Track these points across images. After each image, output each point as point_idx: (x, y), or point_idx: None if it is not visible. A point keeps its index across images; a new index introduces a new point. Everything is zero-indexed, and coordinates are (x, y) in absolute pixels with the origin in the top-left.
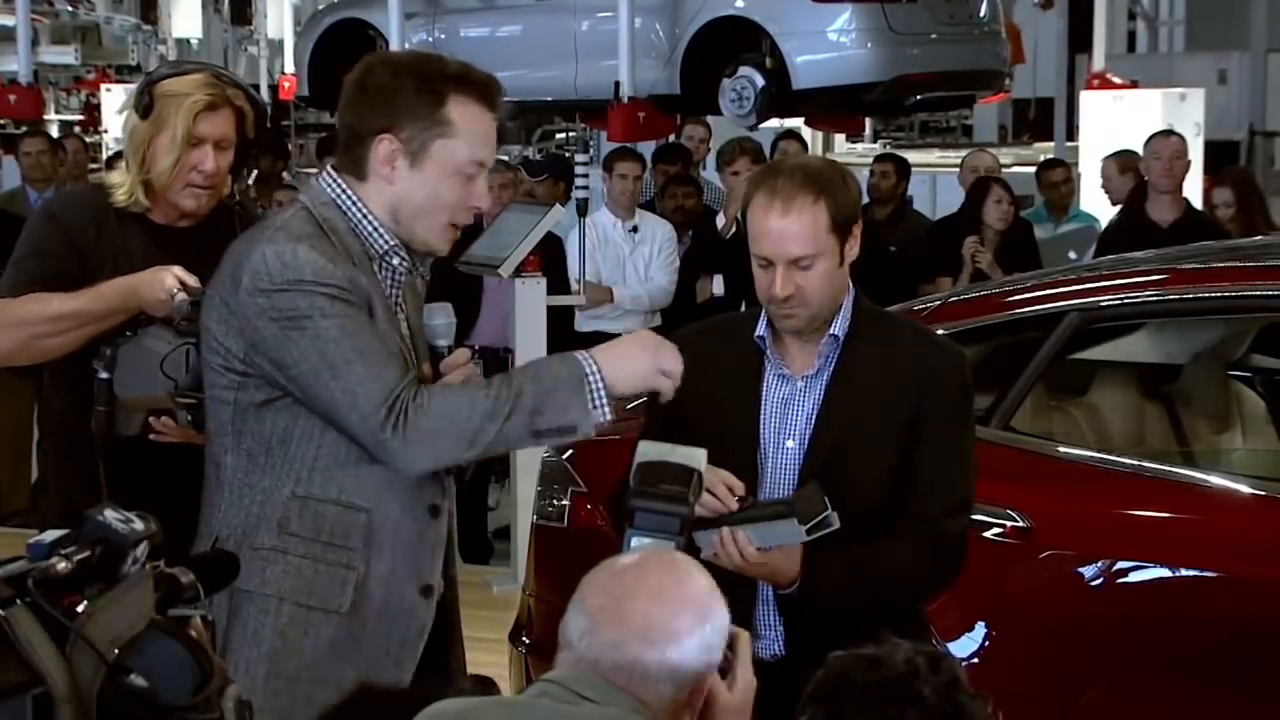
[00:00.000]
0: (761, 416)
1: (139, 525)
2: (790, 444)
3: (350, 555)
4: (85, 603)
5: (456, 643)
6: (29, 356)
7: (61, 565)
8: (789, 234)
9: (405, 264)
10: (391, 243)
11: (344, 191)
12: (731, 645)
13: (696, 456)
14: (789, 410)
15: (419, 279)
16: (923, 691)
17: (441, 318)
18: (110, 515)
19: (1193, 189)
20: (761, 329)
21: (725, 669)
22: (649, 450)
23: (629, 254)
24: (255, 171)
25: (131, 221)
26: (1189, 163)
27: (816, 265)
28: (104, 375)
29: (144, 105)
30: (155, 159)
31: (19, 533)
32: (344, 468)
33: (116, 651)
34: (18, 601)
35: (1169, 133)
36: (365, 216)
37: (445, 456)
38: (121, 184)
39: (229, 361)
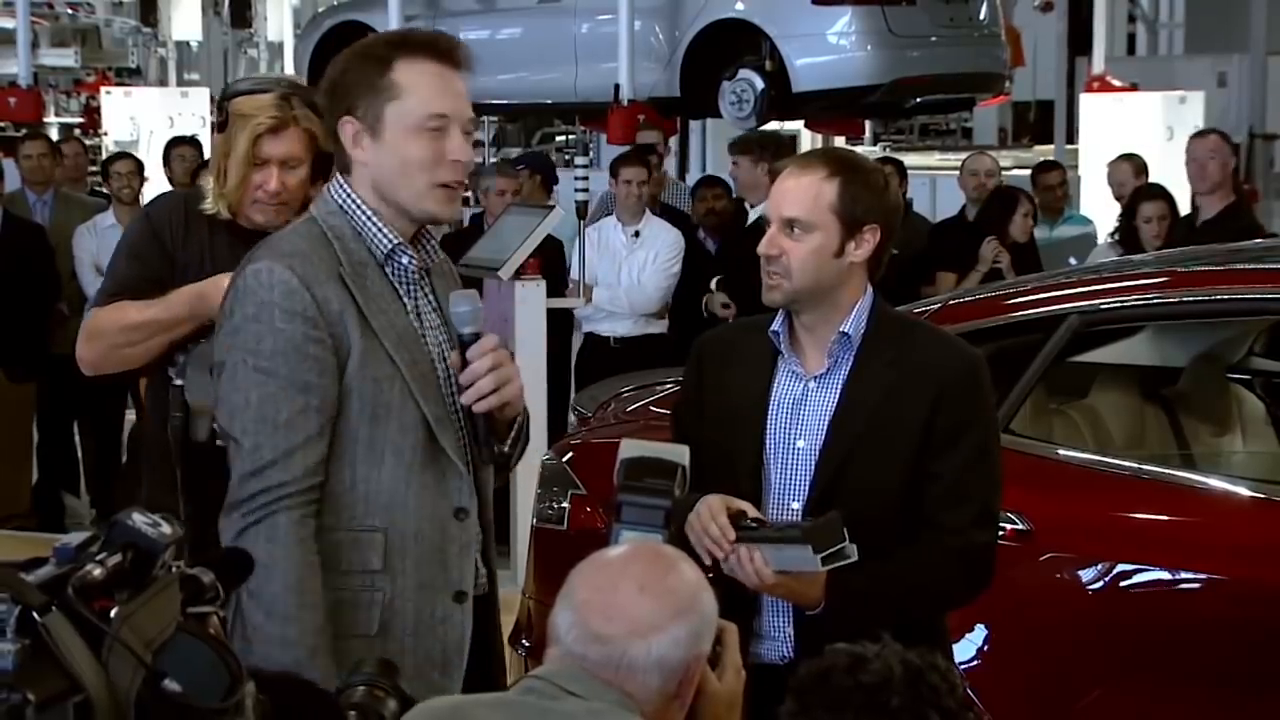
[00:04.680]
0: (769, 414)
1: (167, 529)
2: (801, 444)
3: (372, 578)
4: (117, 608)
5: (497, 640)
6: (114, 365)
7: (98, 571)
8: (789, 192)
9: (414, 261)
10: (395, 241)
11: (348, 194)
12: (719, 639)
13: (680, 453)
14: (800, 410)
15: (446, 269)
16: (890, 703)
17: (466, 305)
18: (138, 519)
19: (1187, 193)
20: (777, 324)
21: (714, 660)
22: (633, 447)
23: (625, 258)
24: None
25: (219, 226)
26: (1226, 162)
27: (807, 237)
28: (177, 382)
29: (221, 120)
30: (227, 176)
31: (18, 536)
32: (351, 491)
33: (150, 656)
34: (53, 608)
35: (1205, 132)
36: (369, 217)
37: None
38: (210, 192)
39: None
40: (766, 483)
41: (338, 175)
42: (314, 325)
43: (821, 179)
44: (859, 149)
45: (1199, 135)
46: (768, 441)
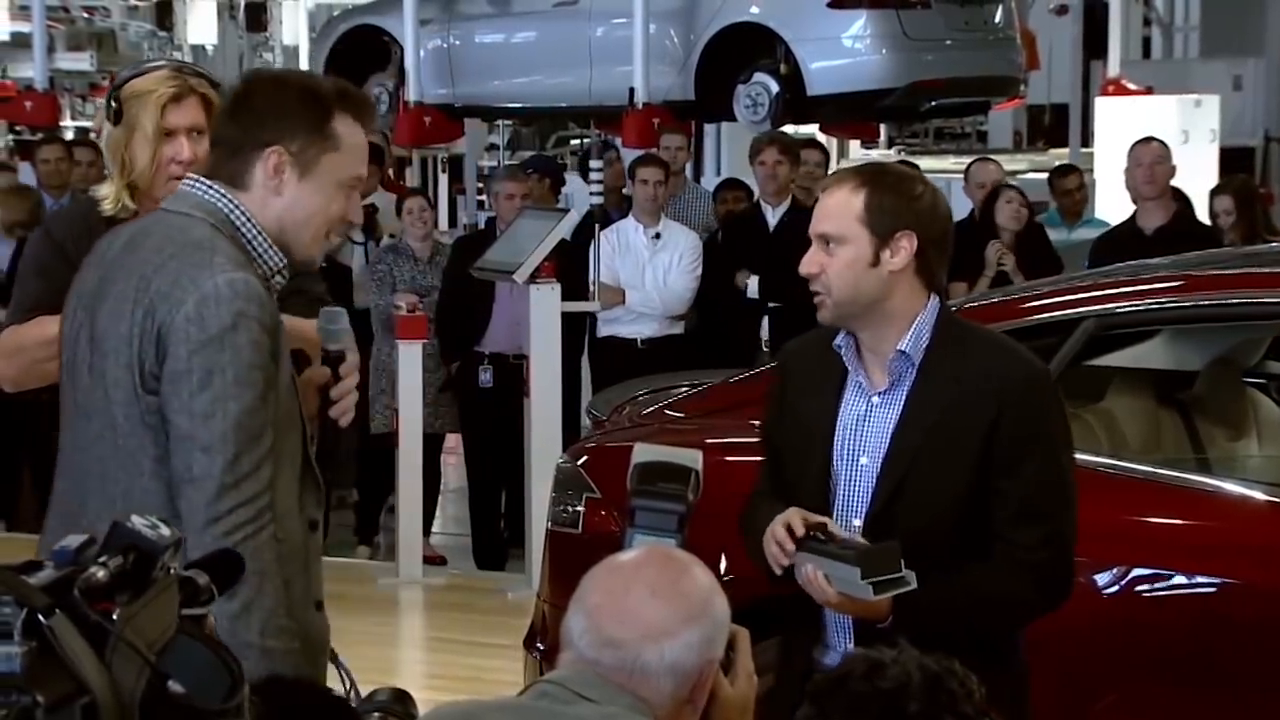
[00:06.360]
0: (837, 431)
1: (165, 531)
2: (864, 460)
3: None
4: (119, 610)
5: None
6: (36, 380)
7: (101, 574)
8: (823, 209)
9: (281, 284)
10: (283, 262)
11: (234, 206)
12: (732, 644)
13: (693, 457)
14: (864, 426)
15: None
16: (908, 708)
17: (343, 321)
18: (138, 522)
19: (1201, 197)
20: (840, 337)
21: (727, 666)
22: (646, 452)
23: (649, 259)
24: None
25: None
26: (1173, 168)
27: (840, 250)
28: None
29: (114, 111)
30: (134, 160)
31: (18, 538)
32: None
33: (153, 657)
34: (57, 611)
35: (1149, 139)
36: (259, 234)
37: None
38: (109, 194)
39: (157, 376)
40: (834, 497)
41: (214, 183)
42: (272, 337)
43: (849, 191)
44: (872, 153)
45: (1144, 142)
46: (835, 458)
